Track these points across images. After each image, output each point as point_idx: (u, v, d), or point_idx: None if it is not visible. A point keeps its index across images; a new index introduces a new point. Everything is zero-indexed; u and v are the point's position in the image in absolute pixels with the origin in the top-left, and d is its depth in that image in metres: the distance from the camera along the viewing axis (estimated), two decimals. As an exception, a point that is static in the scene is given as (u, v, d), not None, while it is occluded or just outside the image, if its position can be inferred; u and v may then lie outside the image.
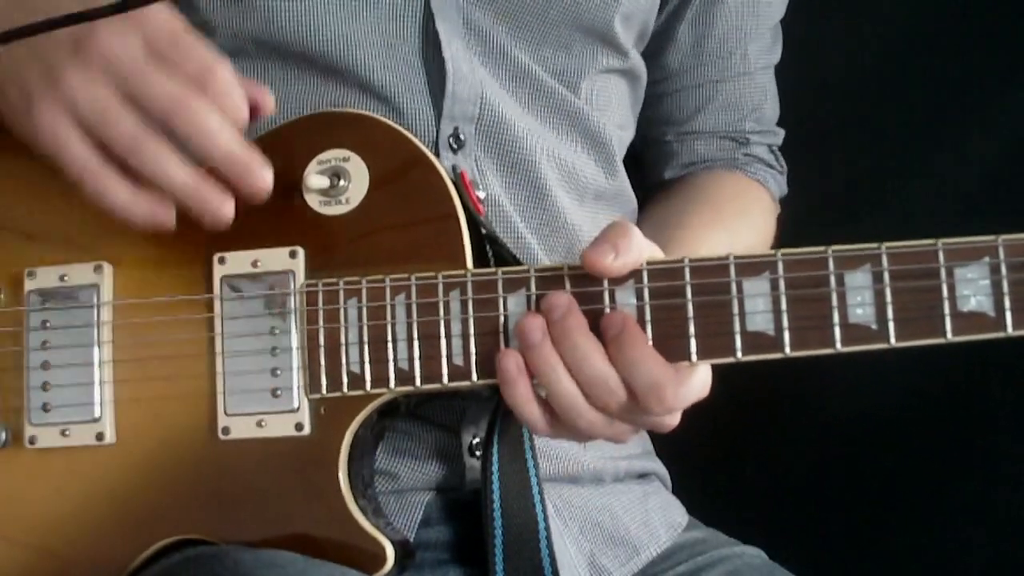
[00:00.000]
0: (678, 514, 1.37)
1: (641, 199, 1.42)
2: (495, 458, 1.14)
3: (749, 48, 1.43)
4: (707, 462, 1.62)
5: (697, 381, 1.05)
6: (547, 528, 1.15)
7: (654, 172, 1.48)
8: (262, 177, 1.05)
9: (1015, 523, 1.64)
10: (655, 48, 1.40)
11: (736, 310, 1.02)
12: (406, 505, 1.21)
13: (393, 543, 1.08)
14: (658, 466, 1.40)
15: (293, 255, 1.11)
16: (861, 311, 1.00)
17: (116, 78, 1.01)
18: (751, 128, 1.46)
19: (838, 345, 1.00)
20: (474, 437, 1.21)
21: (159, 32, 1.01)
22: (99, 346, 1.14)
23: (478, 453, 1.21)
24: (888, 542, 1.69)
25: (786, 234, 1.46)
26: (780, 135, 1.50)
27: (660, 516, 1.33)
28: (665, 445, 1.37)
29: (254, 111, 1.06)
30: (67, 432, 1.13)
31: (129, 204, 1.04)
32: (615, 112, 1.34)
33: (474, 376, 1.06)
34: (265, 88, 1.07)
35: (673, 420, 1.08)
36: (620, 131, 1.36)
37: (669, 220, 1.35)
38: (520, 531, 1.14)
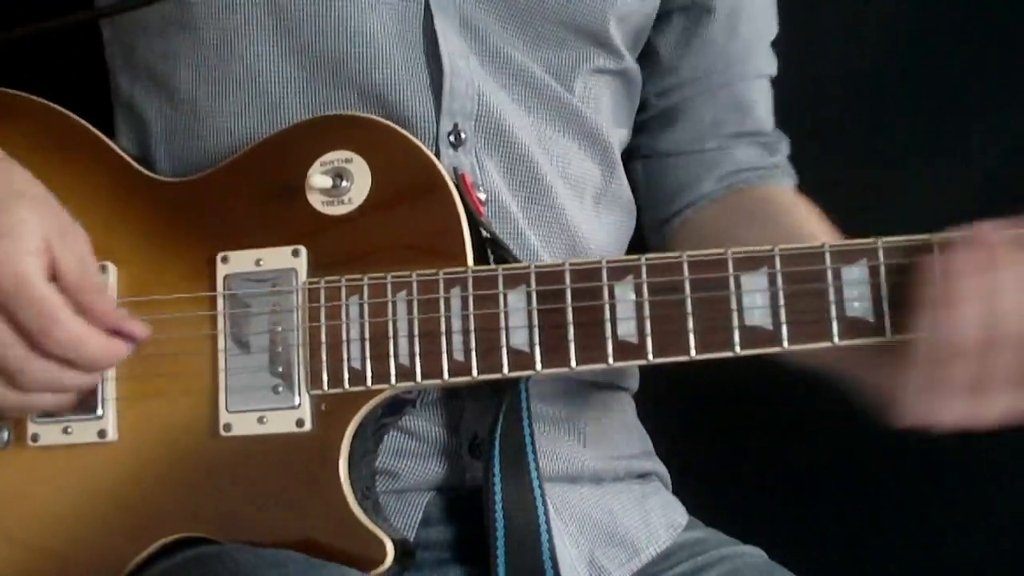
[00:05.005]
0: (678, 514, 1.37)
1: (672, 222, 1.40)
2: (497, 457, 1.15)
3: (764, 51, 1.44)
4: (707, 462, 1.62)
5: None
6: (548, 528, 1.15)
7: (689, 189, 1.42)
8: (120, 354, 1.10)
9: (1014, 521, 1.65)
10: (675, 54, 1.40)
11: (734, 305, 1.03)
12: (406, 504, 1.21)
13: (393, 540, 1.09)
14: (658, 466, 1.39)
15: (296, 254, 1.12)
16: (858, 304, 1.01)
17: None
18: (770, 129, 1.44)
19: (836, 339, 1.01)
20: (474, 437, 1.21)
21: (5, 283, 1.04)
22: (102, 344, 1.14)
23: (478, 453, 1.21)
24: (888, 541, 1.69)
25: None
26: (787, 143, 1.48)
27: (660, 516, 1.33)
28: (665, 445, 1.37)
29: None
30: (69, 429, 1.14)
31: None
32: (610, 111, 1.34)
33: (475, 372, 1.07)
34: (137, 325, 1.10)
35: None
36: (617, 129, 1.36)
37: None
38: (521, 530, 1.14)
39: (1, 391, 1.07)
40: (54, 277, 1.06)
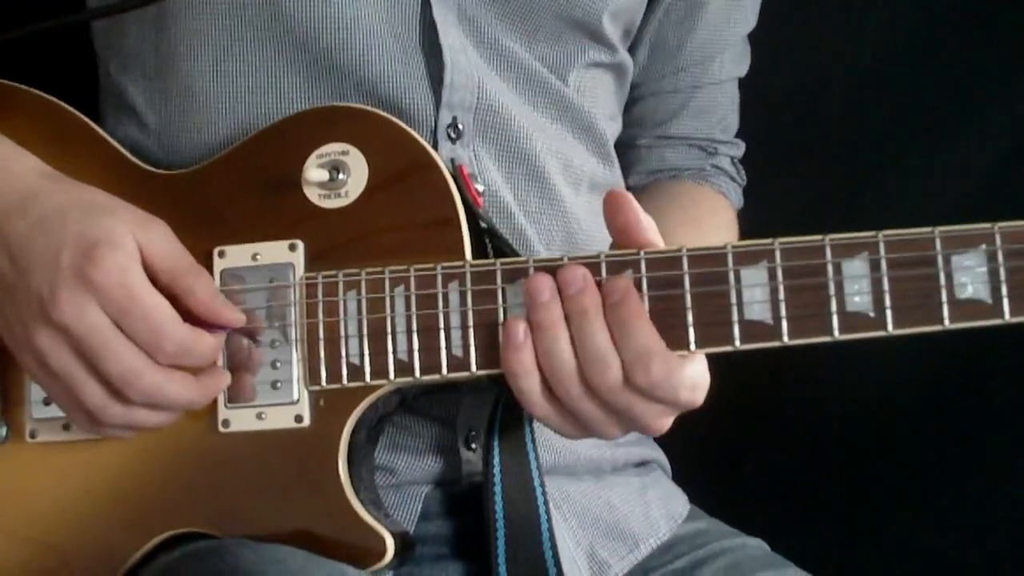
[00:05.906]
0: (679, 504, 1.37)
1: None
2: (496, 450, 1.15)
3: (724, 57, 1.44)
4: (709, 453, 1.62)
5: (688, 374, 1.04)
6: (549, 520, 1.15)
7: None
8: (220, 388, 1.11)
9: (1014, 517, 1.65)
10: (637, 51, 1.41)
11: (734, 299, 1.02)
12: (405, 498, 1.21)
13: (393, 534, 1.08)
14: (657, 453, 1.39)
15: (293, 248, 1.12)
16: (859, 299, 1.00)
17: (76, 346, 1.05)
18: (719, 137, 1.47)
19: (836, 333, 1.00)
20: (470, 430, 1.21)
21: (113, 294, 1.04)
22: (100, 339, 1.14)
23: (474, 446, 1.21)
24: (889, 533, 1.70)
25: (784, 234, 1.46)
26: (742, 148, 1.51)
27: (660, 507, 1.33)
28: (666, 435, 1.36)
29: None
30: (68, 426, 1.14)
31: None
32: (604, 103, 1.35)
33: (473, 367, 1.07)
34: (234, 312, 1.10)
35: (662, 421, 1.07)
36: (611, 122, 1.37)
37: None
38: (522, 523, 1.14)
39: (103, 401, 1.07)
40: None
